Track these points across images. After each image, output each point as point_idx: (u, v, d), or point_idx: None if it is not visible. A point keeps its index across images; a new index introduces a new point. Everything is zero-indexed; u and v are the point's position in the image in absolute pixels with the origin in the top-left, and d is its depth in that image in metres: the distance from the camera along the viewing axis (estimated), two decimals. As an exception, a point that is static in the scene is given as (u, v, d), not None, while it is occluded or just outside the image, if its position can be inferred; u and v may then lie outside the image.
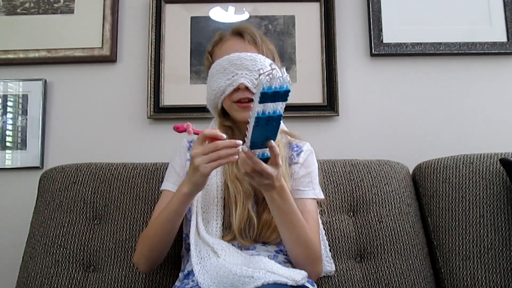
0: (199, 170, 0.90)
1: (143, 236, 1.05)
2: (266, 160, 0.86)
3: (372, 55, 1.63)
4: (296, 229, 0.96)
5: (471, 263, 1.19)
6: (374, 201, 1.27)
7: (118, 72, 1.62)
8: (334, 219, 1.25)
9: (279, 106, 0.78)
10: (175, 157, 1.14)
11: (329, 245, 1.19)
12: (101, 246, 1.22)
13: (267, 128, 0.80)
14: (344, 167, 1.32)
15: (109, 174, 1.30)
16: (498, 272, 1.16)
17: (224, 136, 0.90)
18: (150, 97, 1.57)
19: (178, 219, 1.01)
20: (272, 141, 0.84)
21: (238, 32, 1.10)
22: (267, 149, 0.86)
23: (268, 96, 0.75)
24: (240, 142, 0.87)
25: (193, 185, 0.94)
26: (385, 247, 1.21)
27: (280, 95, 0.75)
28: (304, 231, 0.97)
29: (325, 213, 1.23)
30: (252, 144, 0.84)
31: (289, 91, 0.75)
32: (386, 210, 1.26)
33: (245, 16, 1.64)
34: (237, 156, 0.89)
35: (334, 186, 1.29)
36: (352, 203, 1.28)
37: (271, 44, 1.12)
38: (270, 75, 0.73)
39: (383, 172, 1.32)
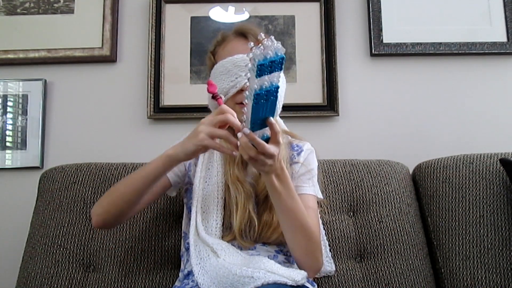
0: (197, 137, 0.90)
1: (111, 189, 1.05)
2: (266, 140, 0.85)
3: (372, 55, 1.63)
4: (297, 215, 0.94)
5: (471, 263, 1.19)
6: (374, 201, 1.27)
7: (118, 72, 1.62)
8: (334, 219, 1.25)
9: (275, 78, 0.74)
10: None
11: (329, 245, 1.19)
12: (101, 246, 1.22)
13: (265, 104, 0.77)
14: (344, 167, 1.32)
15: (109, 174, 1.30)
16: (498, 272, 1.16)
17: (248, 131, 0.84)
18: (150, 97, 1.57)
19: (151, 180, 0.99)
20: (271, 118, 0.82)
21: (241, 32, 1.09)
22: (266, 129, 0.84)
23: (265, 67, 0.71)
24: (247, 130, 0.84)
25: (181, 150, 0.93)
26: (385, 247, 1.21)
27: (276, 63, 0.72)
28: (304, 218, 0.95)
29: (325, 213, 1.23)
30: (253, 125, 0.81)
31: (283, 58, 0.72)
32: (386, 210, 1.26)
33: (245, 16, 1.64)
34: (235, 153, 0.89)
35: (334, 186, 1.29)
36: (352, 203, 1.28)
37: None
38: (262, 45, 0.70)
39: (383, 172, 1.32)
